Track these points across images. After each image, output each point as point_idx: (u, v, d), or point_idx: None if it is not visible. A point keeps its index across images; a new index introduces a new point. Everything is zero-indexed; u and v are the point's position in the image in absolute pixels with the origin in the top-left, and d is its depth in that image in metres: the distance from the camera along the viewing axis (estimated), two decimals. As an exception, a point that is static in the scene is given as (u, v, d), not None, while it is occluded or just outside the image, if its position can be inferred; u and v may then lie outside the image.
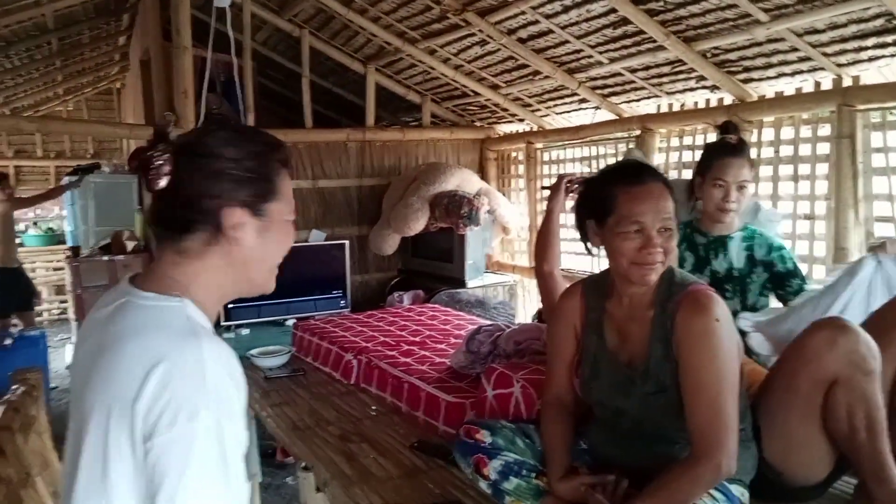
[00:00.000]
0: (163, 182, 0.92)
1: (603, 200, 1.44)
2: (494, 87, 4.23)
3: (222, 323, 3.96)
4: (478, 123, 5.05)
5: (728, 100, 3.10)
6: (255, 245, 0.96)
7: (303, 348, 3.19)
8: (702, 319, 1.36)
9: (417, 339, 2.93)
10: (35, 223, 8.36)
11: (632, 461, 1.48)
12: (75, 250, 4.69)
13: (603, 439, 1.59)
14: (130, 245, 4.48)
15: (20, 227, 7.94)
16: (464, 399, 2.10)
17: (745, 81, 2.94)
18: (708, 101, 3.28)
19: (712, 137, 3.25)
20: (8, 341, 4.14)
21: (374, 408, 2.41)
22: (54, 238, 7.80)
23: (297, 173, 4.47)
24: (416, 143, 4.87)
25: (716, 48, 2.80)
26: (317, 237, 4.49)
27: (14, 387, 2.03)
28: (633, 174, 1.44)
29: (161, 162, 0.91)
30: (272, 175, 0.98)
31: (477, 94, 4.40)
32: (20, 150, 8.28)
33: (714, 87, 3.10)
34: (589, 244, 1.55)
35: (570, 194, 2.08)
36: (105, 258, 4.36)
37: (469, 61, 3.98)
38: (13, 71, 5.15)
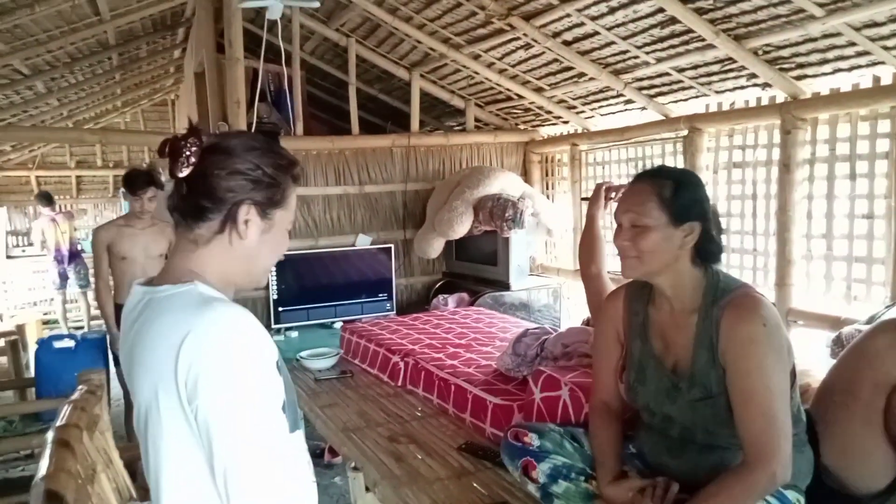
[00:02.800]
0: (186, 171, 1.00)
1: None
2: (538, 90, 4.22)
3: (272, 326, 4.06)
4: (521, 126, 5.04)
5: (780, 97, 3.02)
6: (257, 243, 1.05)
7: (350, 350, 3.25)
8: (748, 325, 1.34)
9: (463, 341, 2.94)
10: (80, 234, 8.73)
11: (682, 467, 1.46)
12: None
13: (652, 445, 1.57)
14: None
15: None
16: (511, 402, 2.10)
17: (799, 78, 2.86)
18: (759, 99, 3.20)
19: (763, 137, 3.18)
20: (72, 344, 4.33)
21: (419, 410, 2.44)
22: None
23: (343, 178, 4.55)
24: (460, 148, 4.89)
25: (767, 45, 2.74)
26: (363, 241, 4.56)
27: (80, 387, 2.14)
28: (635, 178, 1.52)
29: (189, 153, 1.00)
30: (284, 186, 1.07)
31: (521, 97, 4.40)
32: (82, 160, 8.67)
33: (766, 85, 3.02)
34: None
35: (610, 202, 2.09)
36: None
37: (513, 65, 3.99)
38: (77, 86, 5.40)
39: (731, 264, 3.39)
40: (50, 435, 1.69)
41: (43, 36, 3.70)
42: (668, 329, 1.50)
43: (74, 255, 6.54)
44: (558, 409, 1.87)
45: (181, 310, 0.95)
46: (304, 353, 3.16)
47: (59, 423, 1.75)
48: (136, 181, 3.36)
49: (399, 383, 2.75)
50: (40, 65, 4.29)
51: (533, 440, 1.62)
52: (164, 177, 6.13)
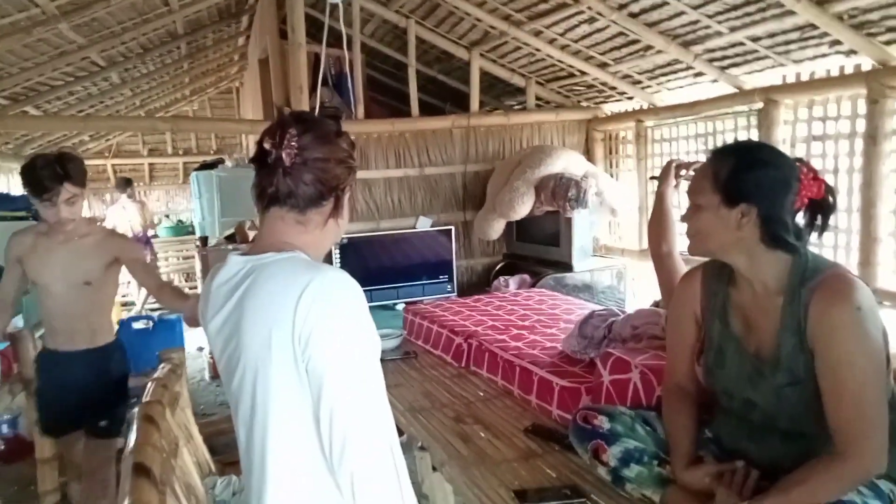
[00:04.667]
0: (295, 160, 1.04)
1: None
2: (602, 66, 4.10)
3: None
4: (584, 104, 4.92)
5: (867, 65, 2.83)
6: (340, 223, 1.13)
7: (413, 332, 3.27)
8: (840, 309, 1.26)
9: (526, 323, 2.92)
10: (167, 216, 9.12)
11: (764, 455, 1.40)
12: (204, 240, 5.06)
13: (731, 430, 1.51)
14: (252, 234, 4.78)
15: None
16: (579, 384, 2.07)
17: (889, 43, 2.66)
18: (842, 68, 3.00)
19: (847, 108, 2.99)
20: (150, 324, 4.55)
21: (482, 391, 2.43)
22: (183, 229, 8.48)
23: (404, 161, 4.57)
24: (521, 127, 4.82)
25: (854, 8, 2.56)
26: (424, 223, 4.58)
27: (161, 365, 2.24)
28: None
29: (295, 143, 1.03)
30: (352, 172, 1.13)
31: (584, 73, 4.29)
32: (153, 148, 9.04)
33: (850, 52, 2.84)
34: None
35: (680, 179, 2.01)
36: (230, 247, 4.68)
37: (576, 41, 3.89)
38: (148, 76, 5.61)
39: (812, 242, 3.22)
40: (136, 411, 1.77)
41: (117, 28, 3.84)
42: (751, 311, 1.43)
43: (142, 242, 6.87)
44: (629, 391, 1.82)
45: (294, 270, 1.00)
46: (369, 334, 3.20)
47: (144, 399, 1.84)
48: (39, 179, 2.16)
49: (463, 364, 2.75)
50: (115, 56, 4.47)
51: (603, 423, 1.59)
52: (231, 163, 6.32)
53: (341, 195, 1.09)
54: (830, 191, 1.38)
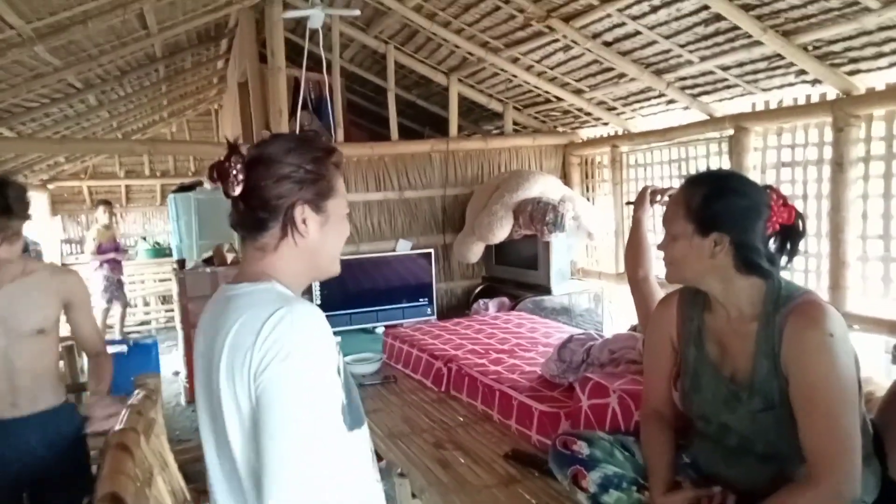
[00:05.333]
0: (238, 188, 1.06)
1: None
2: (578, 92, 4.18)
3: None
4: (560, 129, 5.00)
5: (831, 94, 2.93)
6: (318, 237, 1.10)
7: (393, 356, 3.26)
8: (813, 335, 1.28)
9: (506, 346, 2.93)
10: (144, 238, 9.01)
11: (740, 479, 1.42)
12: (181, 263, 5.01)
13: (708, 455, 1.53)
14: (230, 257, 4.75)
15: (129, 241, 8.63)
16: (558, 409, 2.08)
17: (852, 73, 2.76)
18: (808, 96, 3.11)
19: (814, 135, 3.08)
20: (125, 349, 4.47)
21: (462, 416, 2.43)
22: (161, 251, 8.38)
23: (383, 184, 4.59)
24: (499, 152, 4.88)
25: (818, 40, 2.66)
26: (403, 247, 4.59)
27: (136, 391, 2.20)
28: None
29: (235, 171, 1.05)
30: (329, 176, 1.11)
31: (560, 99, 4.36)
32: (130, 170, 8.95)
33: (815, 82, 2.93)
34: None
35: (655, 204, 2.06)
36: (208, 270, 4.64)
37: (552, 67, 3.96)
38: (126, 98, 5.58)
39: (783, 267, 3.29)
40: (108, 438, 1.74)
41: (95, 51, 3.83)
42: (726, 336, 1.46)
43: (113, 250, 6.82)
44: (607, 416, 1.84)
45: (262, 303, 1.01)
46: (348, 358, 3.17)
47: (117, 427, 1.80)
48: None
49: (442, 389, 2.74)
50: (92, 79, 4.44)
51: (582, 448, 1.59)
52: (208, 186, 6.29)
53: (291, 212, 1.07)
54: (800, 216, 1.42)
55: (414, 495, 2.05)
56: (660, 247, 1.50)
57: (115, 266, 6.68)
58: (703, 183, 1.43)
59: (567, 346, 2.33)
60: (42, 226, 7.86)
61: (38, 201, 8.03)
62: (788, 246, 1.41)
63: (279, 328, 0.96)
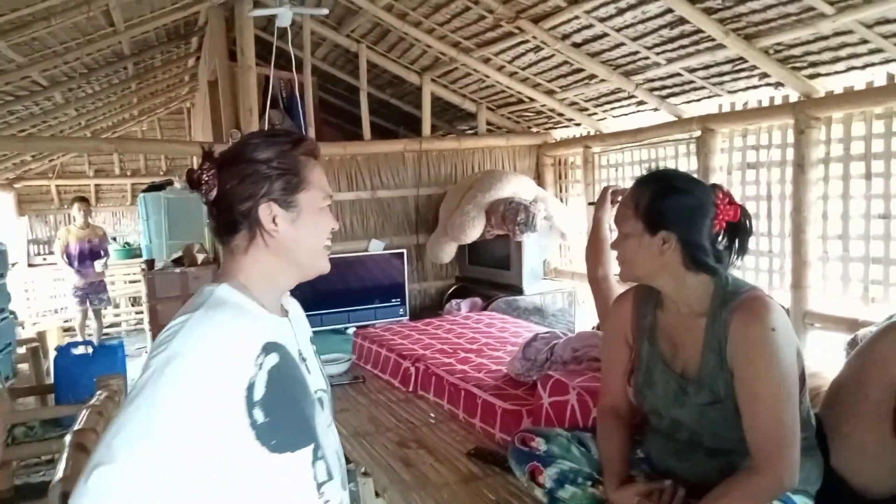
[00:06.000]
0: (213, 194, 1.04)
1: None
2: (550, 93, 4.21)
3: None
4: (534, 129, 5.03)
5: (794, 97, 2.98)
6: (291, 234, 1.05)
7: (363, 356, 3.25)
8: (756, 329, 1.32)
9: (474, 346, 2.94)
10: (114, 238, 8.86)
11: (691, 472, 1.45)
12: (150, 263, 4.93)
13: (659, 448, 1.55)
14: (200, 257, 4.69)
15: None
16: (520, 406, 2.09)
17: (812, 77, 2.82)
18: (772, 98, 3.16)
19: (777, 137, 3.14)
20: (89, 350, 4.39)
21: (432, 415, 2.44)
22: (131, 252, 8.24)
23: (356, 184, 4.58)
24: (472, 152, 4.89)
25: (778, 44, 2.70)
26: (376, 247, 4.58)
27: (98, 392, 2.17)
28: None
29: (208, 178, 1.03)
30: (298, 168, 1.06)
31: (532, 100, 4.39)
32: (100, 169, 8.79)
33: (778, 84, 2.99)
34: None
35: (616, 204, 2.09)
36: (177, 270, 4.57)
37: (524, 68, 3.98)
38: (94, 96, 5.48)
39: (747, 266, 3.35)
40: (68, 439, 1.72)
41: (60, 48, 3.76)
42: (677, 332, 1.49)
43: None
44: (566, 413, 1.85)
45: (192, 306, 1.00)
46: (316, 359, 3.17)
47: (76, 427, 1.78)
48: None
49: (410, 389, 2.75)
50: (58, 76, 4.37)
51: (540, 445, 1.61)
52: (179, 185, 6.18)
53: (254, 211, 1.03)
54: (746, 214, 1.45)
55: (378, 494, 2.05)
56: (613, 245, 1.52)
57: (88, 270, 5.95)
58: (651, 182, 1.45)
59: (532, 344, 2.35)
60: (8, 226, 7.70)
61: (3, 201, 7.87)
62: (737, 243, 1.44)
63: (174, 330, 0.94)
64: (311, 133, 4.41)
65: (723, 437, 1.41)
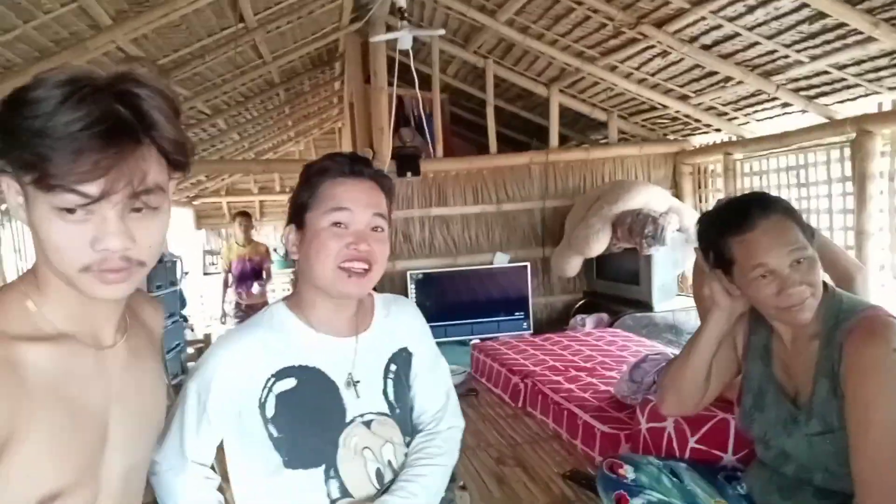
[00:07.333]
0: None
1: (721, 254, 1.32)
2: (683, 98, 3.98)
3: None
4: (670, 137, 4.78)
5: (970, 90, 2.57)
6: (303, 253, 1.10)
7: (479, 369, 3.28)
8: (874, 349, 1.16)
9: (588, 364, 2.85)
10: (275, 249, 9.69)
11: (796, 514, 1.29)
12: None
13: (763, 483, 1.40)
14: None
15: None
16: (619, 430, 2.00)
17: None
18: (944, 93, 2.75)
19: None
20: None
21: (531, 434, 2.39)
22: (291, 262, 8.97)
23: (481, 197, 4.63)
24: (603, 162, 4.75)
25: (946, 31, 2.35)
26: (501, 260, 4.59)
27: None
28: (739, 221, 1.27)
29: None
30: (309, 192, 1.10)
31: (665, 106, 4.18)
32: (263, 186, 9.68)
33: (950, 77, 2.60)
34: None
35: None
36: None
37: (652, 74, 3.81)
38: (253, 121, 6.07)
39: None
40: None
41: (218, 80, 4.22)
42: (790, 355, 1.35)
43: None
44: (663, 440, 1.74)
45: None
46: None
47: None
48: None
49: (519, 405, 2.72)
50: (219, 105, 4.90)
51: (628, 472, 1.52)
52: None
53: (286, 234, 1.18)
54: None
55: (472, 509, 2.05)
56: (796, 283, 1.25)
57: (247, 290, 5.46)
58: (775, 200, 1.33)
59: (640, 366, 2.23)
60: (187, 238, 8.72)
61: (184, 216, 8.93)
62: None
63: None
64: (439, 149, 4.54)
65: (835, 475, 1.24)
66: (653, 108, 4.37)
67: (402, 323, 1.22)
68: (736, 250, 1.28)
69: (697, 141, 4.66)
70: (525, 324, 4.42)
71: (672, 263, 4.14)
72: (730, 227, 1.30)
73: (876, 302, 1.35)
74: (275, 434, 1.04)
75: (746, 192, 4.13)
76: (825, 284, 1.30)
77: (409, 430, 1.22)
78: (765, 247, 1.24)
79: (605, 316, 4.21)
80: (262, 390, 1.05)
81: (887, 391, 1.13)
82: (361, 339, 1.15)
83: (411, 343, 1.23)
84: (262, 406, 1.04)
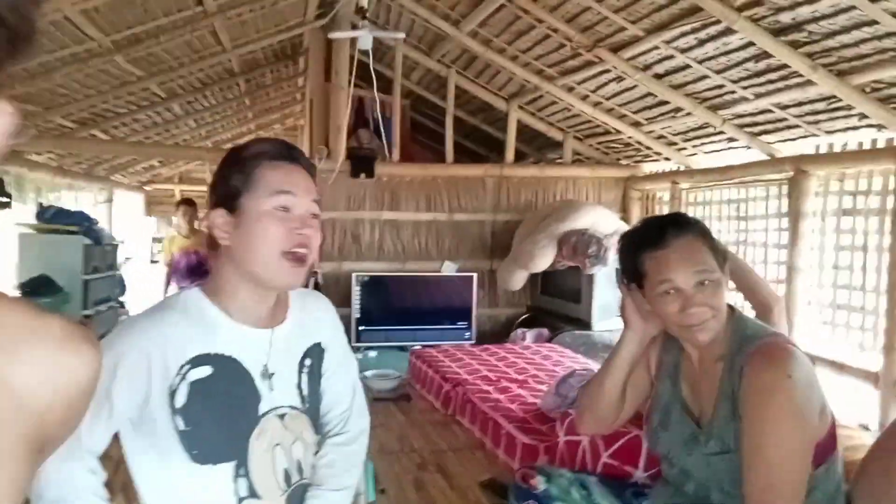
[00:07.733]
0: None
1: (636, 268, 1.34)
2: (636, 124, 4.08)
3: (352, 344, 4.17)
4: (623, 161, 4.89)
5: (898, 140, 2.71)
6: (236, 239, 1.00)
7: (415, 375, 3.27)
8: (771, 373, 1.19)
9: (520, 377, 2.87)
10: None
11: (691, 532, 1.32)
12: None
13: (666, 501, 1.43)
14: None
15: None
16: (539, 442, 2.01)
17: (918, 119, 2.55)
18: (874, 141, 2.89)
19: (878, 183, 2.85)
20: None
21: (456, 441, 2.40)
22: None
23: (434, 206, 4.64)
24: (555, 181, 4.82)
25: (877, 82, 2.47)
26: (449, 268, 4.60)
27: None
28: (654, 238, 1.31)
29: None
30: (244, 173, 1.01)
31: (619, 131, 4.27)
32: (219, 177, 9.52)
33: (881, 126, 2.72)
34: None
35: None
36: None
37: (608, 98, 3.90)
38: (211, 109, 5.95)
39: (837, 322, 3.06)
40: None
41: (174, 62, 4.13)
42: (697, 376, 1.38)
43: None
44: (577, 454, 1.76)
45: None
46: (368, 373, 3.22)
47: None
48: None
49: (449, 412, 2.73)
50: (175, 88, 4.78)
51: (539, 483, 1.54)
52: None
53: (212, 217, 1.08)
54: None
55: (388, 513, 2.04)
56: (700, 303, 1.28)
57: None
58: (689, 221, 1.36)
59: (567, 380, 2.26)
60: (137, 224, 8.48)
61: (135, 201, 8.68)
62: None
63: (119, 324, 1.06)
64: (396, 153, 4.54)
65: (730, 495, 1.27)
66: (607, 132, 4.47)
67: (316, 318, 1.19)
68: (648, 265, 1.31)
69: (648, 168, 4.78)
70: (468, 334, 4.43)
71: (613, 284, 4.21)
72: (645, 243, 1.33)
73: (798, 335, 1.40)
74: (181, 426, 0.98)
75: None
76: (732, 309, 1.33)
77: (319, 427, 1.19)
78: (674, 264, 1.27)
79: (545, 331, 4.26)
80: (175, 377, 0.99)
81: (781, 415, 1.17)
82: (277, 332, 1.11)
83: (325, 338, 1.20)
84: (171, 394, 0.98)
